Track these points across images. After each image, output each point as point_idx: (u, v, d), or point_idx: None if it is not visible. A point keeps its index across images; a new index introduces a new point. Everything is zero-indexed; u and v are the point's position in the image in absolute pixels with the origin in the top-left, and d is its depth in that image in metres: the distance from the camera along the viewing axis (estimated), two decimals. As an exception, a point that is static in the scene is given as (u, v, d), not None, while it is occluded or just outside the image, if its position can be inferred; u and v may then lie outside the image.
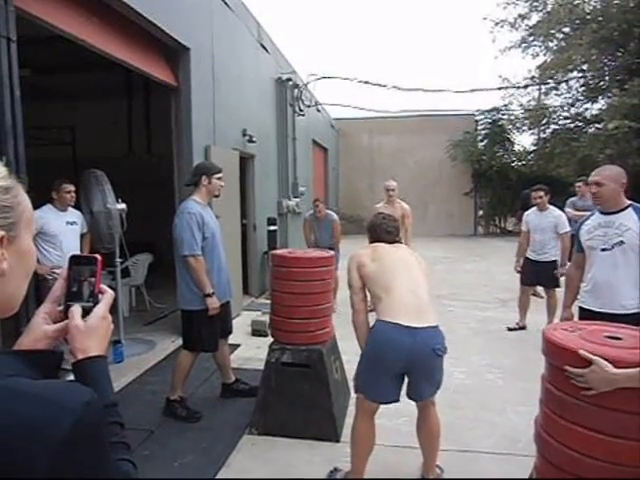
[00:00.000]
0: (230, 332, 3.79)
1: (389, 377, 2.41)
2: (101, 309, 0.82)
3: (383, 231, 2.72)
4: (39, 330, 0.80)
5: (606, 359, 1.52)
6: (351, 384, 3.57)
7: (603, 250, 2.79)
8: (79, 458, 0.58)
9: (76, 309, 0.80)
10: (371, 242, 2.75)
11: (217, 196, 3.56)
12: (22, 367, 0.67)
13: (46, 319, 0.81)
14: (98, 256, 0.84)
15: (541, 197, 5.34)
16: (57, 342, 0.81)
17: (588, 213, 6.57)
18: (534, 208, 5.45)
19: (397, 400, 2.47)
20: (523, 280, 5.56)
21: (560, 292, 5.38)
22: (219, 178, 3.49)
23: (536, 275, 5.39)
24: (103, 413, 0.66)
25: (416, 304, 2.40)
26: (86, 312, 0.80)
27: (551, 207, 5.39)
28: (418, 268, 2.59)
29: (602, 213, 2.87)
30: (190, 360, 3.51)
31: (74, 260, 0.84)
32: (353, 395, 3.58)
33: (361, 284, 2.57)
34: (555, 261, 5.23)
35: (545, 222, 5.28)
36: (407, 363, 2.35)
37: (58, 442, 0.56)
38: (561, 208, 5.73)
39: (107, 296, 0.84)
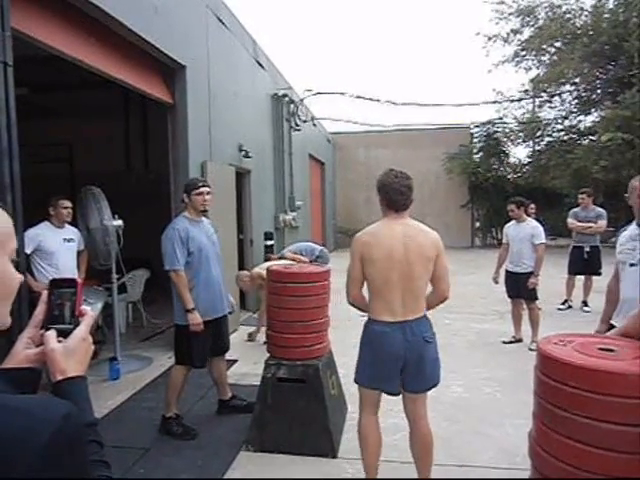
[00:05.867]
0: (227, 349, 3.75)
1: (389, 371, 2.47)
2: (81, 331, 0.83)
3: (396, 192, 2.47)
4: (21, 354, 0.81)
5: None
6: (348, 399, 3.58)
7: (632, 265, 2.53)
8: (58, 467, 0.60)
9: (50, 333, 0.81)
10: (382, 203, 2.55)
11: (204, 211, 3.49)
12: (1, 385, 0.68)
13: (29, 343, 0.83)
14: (78, 279, 0.87)
15: (512, 210, 5.45)
16: (39, 365, 0.82)
17: (590, 224, 6.77)
18: (514, 221, 5.55)
19: (398, 393, 2.53)
20: (508, 293, 5.61)
21: (540, 304, 5.45)
22: (199, 193, 3.43)
23: (516, 288, 5.43)
24: (81, 426, 0.66)
25: (407, 299, 2.44)
26: (67, 334, 0.82)
27: (529, 219, 5.52)
28: (417, 254, 2.43)
29: (638, 225, 2.61)
30: (182, 375, 3.47)
31: (54, 284, 0.85)
32: (350, 410, 3.58)
33: (362, 277, 2.50)
34: (532, 273, 5.28)
35: (522, 233, 5.37)
36: (404, 354, 2.43)
37: (37, 452, 0.57)
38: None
39: (87, 318, 0.85)
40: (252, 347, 5.53)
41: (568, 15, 15.38)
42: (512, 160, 17.86)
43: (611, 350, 1.70)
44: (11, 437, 0.57)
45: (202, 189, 3.44)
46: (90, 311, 0.86)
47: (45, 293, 0.84)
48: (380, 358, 2.47)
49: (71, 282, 0.86)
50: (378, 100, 11.73)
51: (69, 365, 0.79)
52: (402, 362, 2.44)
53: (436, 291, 2.56)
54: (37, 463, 0.57)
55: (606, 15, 14.13)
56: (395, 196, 2.48)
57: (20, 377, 0.74)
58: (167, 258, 3.34)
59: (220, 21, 6.13)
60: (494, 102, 16.90)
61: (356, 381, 2.63)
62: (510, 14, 16.20)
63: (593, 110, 15.41)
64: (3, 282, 0.74)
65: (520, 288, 5.36)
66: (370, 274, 2.49)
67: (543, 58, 16.55)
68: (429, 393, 2.60)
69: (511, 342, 5.52)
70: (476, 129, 17.38)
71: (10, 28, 2.82)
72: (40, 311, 0.84)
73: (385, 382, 2.52)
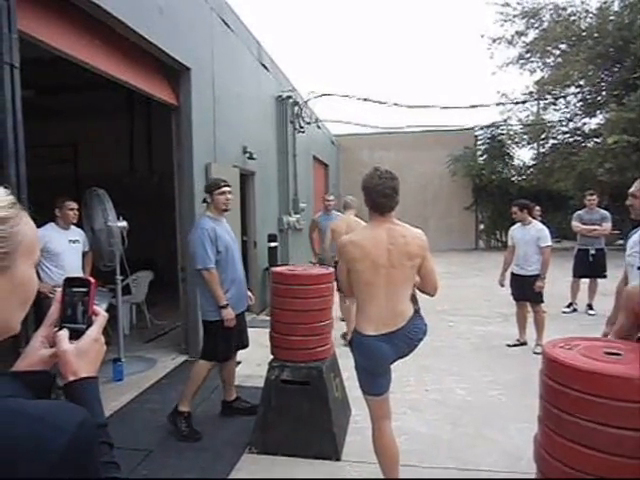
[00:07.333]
0: (246, 345, 3.84)
1: (382, 376, 2.52)
2: (93, 331, 0.83)
3: (379, 194, 2.44)
4: (35, 354, 0.81)
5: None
6: (352, 402, 3.58)
7: (639, 269, 2.48)
8: (73, 474, 0.60)
9: (63, 334, 0.81)
10: (366, 205, 2.55)
11: (226, 210, 3.63)
12: (17, 388, 0.69)
13: (44, 343, 0.83)
14: (91, 279, 0.86)
15: (515, 212, 5.45)
16: (53, 366, 0.82)
17: (594, 227, 6.73)
18: (519, 223, 5.53)
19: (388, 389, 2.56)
20: (514, 296, 5.59)
21: (545, 307, 5.42)
22: (221, 193, 3.56)
23: (522, 290, 5.41)
24: (96, 432, 0.67)
25: (392, 310, 2.44)
26: (79, 334, 0.82)
27: (534, 221, 5.50)
28: (400, 261, 2.42)
29: None
30: (206, 370, 3.54)
31: (68, 283, 0.85)
32: (354, 412, 3.57)
33: (349, 285, 2.54)
34: (538, 275, 5.27)
35: (528, 236, 5.36)
36: (395, 355, 2.49)
37: (54, 460, 0.58)
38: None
39: (100, 318, 0.85)
40: (256, 349, 5.52)
41: (573, 17, 15.35)
42: (516, 162, 17.81)
43: (617, 354, 1.69)
44: (29, 444, 0.57)
45: (224, 189, 3.59)
46: (103, 311, 0.86)
47: (59, 292, 0.84)
48: (374, 363, 2.49)
49: (84, 281, 0.85)
50: (383, 102, 11.71)
51: (81, 366, 0.79)
52: (393, 359, 2.51)
53: (422, 290, 2.56)
54: (54, 469, 0.58)
55: (611, 17, 14.08)
56: (379, 199, 2.45)
57: (35, 381, 0.75)
58: (198, 258, 3.42)
59: (224, 23, 6.15)
60: (498, 104, 16.88)
61: (364, 390, 2.58)
62: (515, 16, 16.17)
63: (598, 112, 15.34)
64: (27, 289, 0.74)
65: (526, 290, 5.34)
66: (355, 281, 2.49)
67: (548, 60, 16.51)
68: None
69: (515, 345, 5.50)
70: (480, 131, 17.36)
71: (17, 30, 2.84)
72: (54, 311, 0.84)
73: (386, 385, 2.54)
